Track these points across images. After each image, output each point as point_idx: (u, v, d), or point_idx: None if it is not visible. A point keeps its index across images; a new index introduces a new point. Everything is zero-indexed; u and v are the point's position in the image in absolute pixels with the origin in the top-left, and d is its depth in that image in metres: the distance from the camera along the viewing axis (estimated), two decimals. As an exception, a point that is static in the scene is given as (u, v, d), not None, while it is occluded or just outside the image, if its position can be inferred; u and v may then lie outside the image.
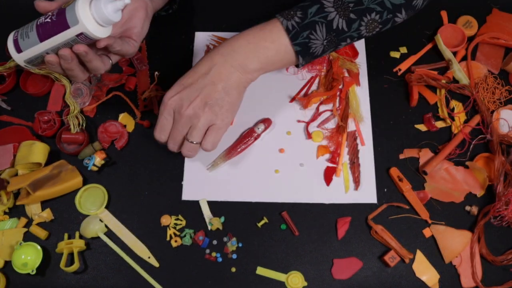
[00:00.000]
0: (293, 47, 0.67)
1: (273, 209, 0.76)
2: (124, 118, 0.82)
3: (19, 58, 0.64)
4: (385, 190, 0.78)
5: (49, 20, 0.61)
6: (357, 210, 0.76)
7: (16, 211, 0.77)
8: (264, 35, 0.68)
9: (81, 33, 0.60)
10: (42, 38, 0.61)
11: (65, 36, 0.60)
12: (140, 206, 0.77)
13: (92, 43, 0.62)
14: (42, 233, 0.74)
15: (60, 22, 0.60)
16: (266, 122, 0.81)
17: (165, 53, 0.88)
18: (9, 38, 0.64)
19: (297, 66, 0.71)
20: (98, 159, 0.77)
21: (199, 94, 0.66)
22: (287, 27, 0.67)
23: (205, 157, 0.79)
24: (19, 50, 0.63)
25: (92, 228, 0.74)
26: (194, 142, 0.68)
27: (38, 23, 0.62)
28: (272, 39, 0.67)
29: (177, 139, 0.69)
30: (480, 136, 0.80)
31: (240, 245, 0.74)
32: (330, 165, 0.79)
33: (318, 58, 0.71)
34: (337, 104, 0.83)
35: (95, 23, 0.60)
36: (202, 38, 0.89)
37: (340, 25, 0.67)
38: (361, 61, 0.87)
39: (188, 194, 0.77)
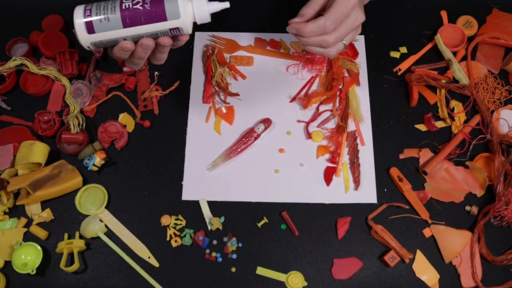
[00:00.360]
0: None
1: (273, 209, 0.76)
2: (124, 118, 0.82)
3: (87, 39, 0.57)
4: (385, 190, 0.78)
5: (140, 8, 0.56)
6: (357, 210, 0.76)
7: (16, 211, 0.77)
8: None
9: (177, 28, 0.58)
10: (127, 25, 0.56)
11: (157, 27, 0.57)
12: (140, 206, 0.77)
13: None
14: (42, 233, 0.74)
15: (155, 12, 0.56)
16: (266, 122, 0.81)
17: (165, 53, 0.88)
18: (78, 16, 0.57)
19: None
20: (98, 159, 0.77)
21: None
22: None
23: (205, 157, 0.79)
24: (91, 31, 0.57)
25: (92, 228, 0.74)
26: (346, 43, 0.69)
27: (124, 7, 0.56)
28: None
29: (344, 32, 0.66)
30: (480, 136, 0.80)
31: (240, 245, 0.74)
32: (330, 165, 0.79)
33: None
34: (337, 104, 0.83)
35: (192, 20, 0.58)
36: (202, 38, 0.89)
37: None
38: (361, 61, 0.87)
39: (188, 194, 0.77)
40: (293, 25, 0.66)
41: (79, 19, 0.56)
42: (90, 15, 0.56)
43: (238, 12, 0.91)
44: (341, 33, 0.66)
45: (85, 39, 0.57)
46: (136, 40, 0.58)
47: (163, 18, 0.57)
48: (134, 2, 0.56)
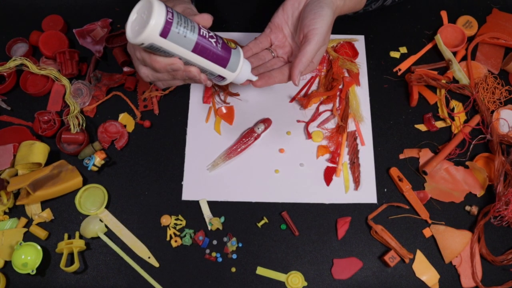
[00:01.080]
0: None
1: (273, 209, 0.76)
2: (124, 118, 0.82)
3: (151, 38, 0.53)
4: (385, 190, 0.78)
5: (213, 44, 0.59)
6: (357, 210, 0.76)
7: (16, 211, 0.77)
8: None
9: (224, 78, 0.63)
10: (195, 51, 0.58)
11: (213, 68, 0.61)
12: (140, 206, 0.77)
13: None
14: (42, 233, 0.74)
15: (222, 56, 0.60)
16: (266, 122, 0.81)
17: (165, 53, 0.88)
18: (161, 13, 0.53)
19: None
20: (98, 159, 0.77)
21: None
22: None
23: (205, 157, 0.79)
24: (164, 34, 0.54)
25: (92, 228, 0.74)
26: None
27: (202, 33, 0.58)
28: None
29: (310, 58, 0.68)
30: (480, 136, 0.80)
31: (240, 245, 0.74)
32: (330, 165, 0.79)
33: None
34: (337, 104, 0.83)
35: (234, 77, 0.64)
36: (202, 38, 0.89)
37: None
38: (361, 61, 0.87)
39: (188, 194, 0.77)
40: (259, 83, 0.69)
41: (160, 15, 0.53)
42: (172, 20, 0.54)
43: (238, 12, 0.91)
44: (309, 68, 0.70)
45: (150, 37, 0.53)
46: (186, 63, 0.60)
47: (223, 65, 0.61)
48: (210, 35, 0.59)
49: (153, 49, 0.56)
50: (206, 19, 0.60)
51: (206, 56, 0.59)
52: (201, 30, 0.58)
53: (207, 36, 0.58)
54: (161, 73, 0.61)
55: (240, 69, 0.63)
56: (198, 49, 0.58)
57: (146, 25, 0.52)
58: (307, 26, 0.65)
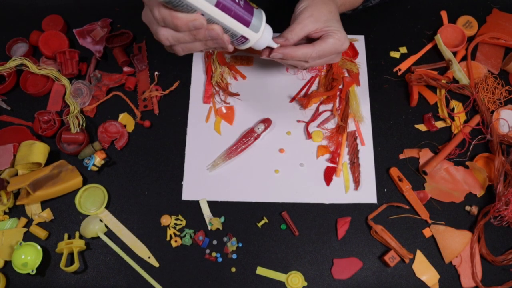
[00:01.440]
0: None
1: (273, 209, 0.76)
2: (124, 118, 0.82)
3: None
4: (385, 190, 0.78)
5: (236, 2, 0.57)
6: (357, 210, 0.76)
7: (16, 211, 0.77)
8: None
9: (247, 39, 0.62)
10: (218, 5, 0.55)
11: (236, 26, 0.59)
12: (140, 206, 0.77)
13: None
14: (42, 233, 0.74)
15: (244, 15, 0.59)
16: (266, 122, 0.81)
17: (165, 53, 0.87)
18: None
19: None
20: (98, 159, 0.77)
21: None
22: None
23: (205, 157, 0.79)
24: None
25: (92, 228, 0.74)
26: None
27: None
28: None
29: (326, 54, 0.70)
30: (480, 136, 0.80)
31: (240, 245, 0.74)
32: (330, 165, 0.79)
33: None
34: (337, 104, 0.83)
35: (255, 41, 0.63)
36: (202, 38, 0.89)
37: None
38: (361, 61, 0.87)
39: (188, 194, 0.77)
40: (280, 50, 0.67)
41: None
42: None
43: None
44: (317, 63, 0.71)
45: None
46: (208, 21, 0.57)
47: (246, 24, 0.60)
48: None
49: (173, 4, 0.53)
50: None
51: (229, 13, 0.56)
52: None
53: None
54: (181, 33, 0.58)
55: (262, 31, 0.61)
56: (221, 4, 0.55)
57: None
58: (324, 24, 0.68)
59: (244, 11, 0.59)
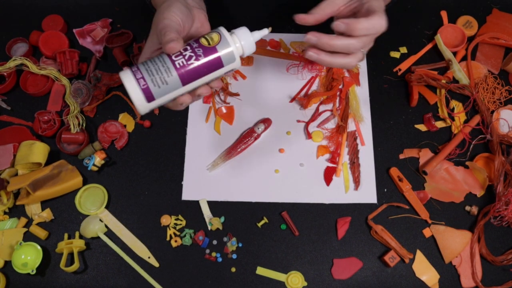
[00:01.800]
0: None
1: (273, 209, 0.76)
2: (124, 118, 0.82)
3: (146, 107, 0.55)
4: (385, 190, 0.78)
5: (197, 63, 0.54)
6: (357, 210, 0.76)
7: (16, 211, 0.77)
8: None
9: (232, 69, 0.57)
10: (185, 82, 0.55)
11: (215, 75, 0.56)
12: (140, 206, 0.77)
13: None
14: (42, 233, 0.74)
15: (212, 63, 0.55)
16: (266, 122, 0.81)
17: (165, 53, 0.88)
18: (133, 87, 0.53)
19: None
20: (98, 159, 0.77)
21: None
22: None
23: (205, 157, 0.79)
24: (151, 98, 0.54)
25: (92, 228, 0.74)
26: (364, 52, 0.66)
27: (178, 65, 0.54)
28: None
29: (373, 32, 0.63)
30: (480, 136, 0.80)
31: (240, 245, 0.74)
32: (330, 165, 0.79)
33: None
34: (337, 104, 0.83)
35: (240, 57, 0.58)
36: (202, 38, 0.89)
37: None
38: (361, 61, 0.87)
39: (188, 194, 0.77)
40: (343, 21, 0.60)
41: (135, 89, 0.53)
42: (146, 84, 0.53)
43: (238, 12, 0.91)
44: (365, 42, 0.63)
45: (145, 107, 0.55)
46: (191, 91, 0.57)
47: (220, 66, 0.56)
48: (187, 57, 0.54)
49: (160, 106, 0.56)
50: (171, 47, 0.54)
51: (199, 76, 0.55)
52: (176, 62, 0.54)
53: (185, 63, 0.54)
54: (183, 107, 0.59)
55: (237, 52, 0.57)
56: (186, 80, 0.55)
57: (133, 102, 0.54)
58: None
59: (208, 63, 0.55)
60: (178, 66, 0.54)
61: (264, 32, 0.59)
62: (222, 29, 0.57)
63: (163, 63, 0.54)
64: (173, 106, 0.59)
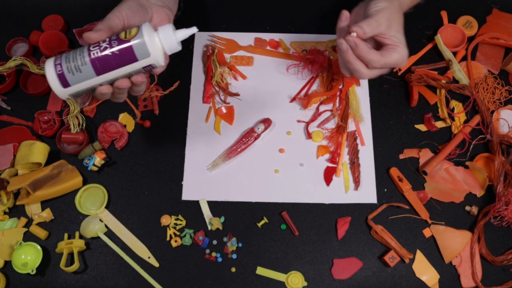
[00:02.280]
0: None
1: (273, 209, 0.76)
2: (124, 118, 0.82)
3: (64, 92, 0.57)
4: (385, 190, 0.78)
5: (109, 53, 0.56)
6: (357, 210, 0.76)
7: (16, 211, 0.77)
8: None
9: (150, 65, 0.58)
10: (100, 72, 0.56)
11: (130, 68, 0.57)
12: (140, 206, 0.77)
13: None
14: (42, 233, 0.74)
15: (125, 55, 0.56)
16: (266, 122, 0.81)
17: (165, 53, 0.88)
18: (50, 72, 0.56)
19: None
20: (98, 159, 0.77)
21: None
22: None
23: (205, 157, 0.79)
24: (66, 84, 0.57)
25: (92, 228, 0.74)
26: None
27: (93, 55, 0.56)
28: None
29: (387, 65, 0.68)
30: (480, 136, 0.80)
31: (240, 245, 0.74)
32: (330, 165, 0.79)
33: None
34: (337, 104, 0.83)
35: (163, 54, 0.58)
36: (202, 38, 0.89)
37: None
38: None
39: (188, 194, 0.77)
40: (355, 40, 0.65)
41: (51, 74, 0.56)
42: (61, 70, 0.56)
43: (238, 12, 0.91)
44: (371, 74, 0.68)
45: (62, 92, 0.58)
46: (111, 82, 0.59)
47: (134, 59, 0.57)
48: (102, 48, 0.56)
49: (80, 93, 0.59)
50: (86, 35, 0.57)
51: (112, 68, 0.56)
52: (91, 52, 0.56)
53: (99, 53, 0.56)
54: (113, 98, 0.62)
55: (153, 47, 0.57)
56: (100, 70, 0.56)
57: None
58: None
59: (121, 54, 0.56)
60: (92, 56, 0.56)
61: (191, 31, 0.59)
62: (144, 25, 0.57)
63: (81, 52, 0.56)
64: (97, 96, 0.60)
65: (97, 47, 0.56)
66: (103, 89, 0.58)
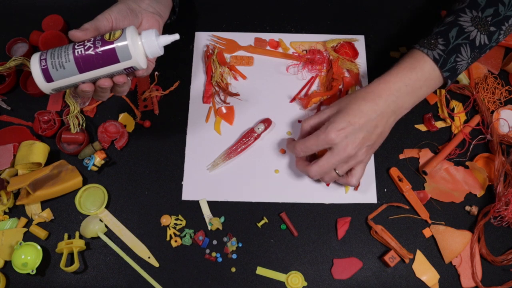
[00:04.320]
0: (442, 74, 0.70)
1: (273, 209, 0.76)
2: (124, 118, 0.82)
3: (47, 87, 0.60)
4: (385, 190, 0.78)
5: (93, 53, 0.58)
6: (357, 210, 0.76)
7: (16, 211, 0.77)
8: (417, 75, 0.69)
9: (131, 67, 0.60)
10: (82, 70, 0.59)
11: (111, 69, 0.59)
12: (140, 206, 0.77)
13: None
14: (42, 233, 0.74)
15: (107, 56, 0.58)
16: (266, 122, 0.81)
17: (165, 53, 0.87)
18: (35, 66, 0.59)
19: (443, 87, 0.73)
20: (98, 159, 0.77)
21: (363, 136, 0.67)
22: (434, 58, 0.69)
23: (205, 157, 0.79)
24: (49, 79, 0.59)
25: (92, 228, 0.74)
26: (340, 175, 0.70)
27: (77, 53, 0.58)
28: (425, 77, 0.69)
29: (325, 169, 0.69)
30: (480, 136, 0.80)
31: (240, 245, 0.74)
32: (330, 165, 0.79)
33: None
34: (337, 104, 0.83)
35: (144, 57, 0.61)
36: (202, 38, 0.89)
37: (483, 40, 0.70)
38: (361, 61, 0.87)
39: (188, 194, 0.77)
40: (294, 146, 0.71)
41: (36, 68, 0.59)
42: (46, 65, 0.59)
43: (238, 12, 0.91)
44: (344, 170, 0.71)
45: (45, 87, 0.60)
46: (94, 81, 0.61)
47: (116, 61, 0.59)
48: (86, 47, 0.58)
49: (63, 89, 0.62)
50: (72, 33, 0.59)
51: (94, 67, 0.59)
52: (76, 50, 0.58)
53: (83, 52, 0.58)
54: (96, 96, 0.64)
55: (134, 50, 0.59)
56: (83, 68, 0.59)
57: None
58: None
59: (104, 55, 0.58)
60: (76, 54, 0.58)
61: (173, 38, 0.62)
62: (128, 28, 0.60)
63: (66, 50, 0.59)
64: (79, 93, 0.62)
65: (82, 46, 0.59)
66: (85, 87, 0.61)
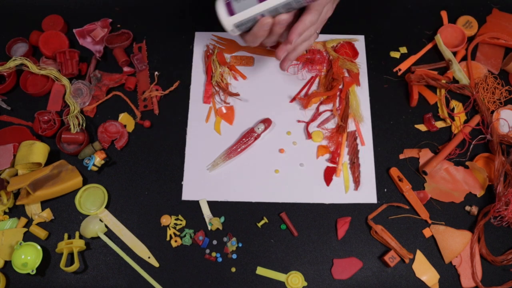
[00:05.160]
0: None
1: (273, 209, 0.76)
2: (124, 118, 0.82)
3: (229, 22, 0.64)
4: (385, 190, 0.78)
5: None
6: (357, 210, 0.76)
7: (16, 211, 0.77)
8: None
9: None
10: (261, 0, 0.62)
11: None
12: (140, 206, 0.77)
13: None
14: (42, 233, 0.74)
15: None
16: (266, 122, 0.81)
17: (165, 53, 0.88)
18: (220, 2, 0.64)
19: None
20: (98, 159, 0.77)
21: None
22: None
23: (205, 157, 0.79)
24: (231, 12, 0.64)
25: (92, 228, 0.74)
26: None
27: None
28: None
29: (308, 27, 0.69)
30: (480, 136, 0.80)
31: (240, 245, 0.74)
32: (330, 165, 0.79)
33: None
34: (337, 104, 0.83)
35: None
36: (202, 38, 0.89)
37: None
38: (361, 61, 0.87)
39: (188, 194, 0.77)
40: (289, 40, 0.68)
41: (221, 4, 0.64)
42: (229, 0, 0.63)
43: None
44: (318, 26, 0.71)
45: (227, 21, 0.64)
46: (273, 15, 0.63)
47: None
48: None
49: (243, 25, 0.65)
50: None
51: None
52: None
53: None
54: (270, 37, 0.67)
55: None
56: None
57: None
58: None
59: None
60: None
61: None
62: None
63: None
64: (258, 31, 0.65)
65: None
66: (266, 20, 0.63)
